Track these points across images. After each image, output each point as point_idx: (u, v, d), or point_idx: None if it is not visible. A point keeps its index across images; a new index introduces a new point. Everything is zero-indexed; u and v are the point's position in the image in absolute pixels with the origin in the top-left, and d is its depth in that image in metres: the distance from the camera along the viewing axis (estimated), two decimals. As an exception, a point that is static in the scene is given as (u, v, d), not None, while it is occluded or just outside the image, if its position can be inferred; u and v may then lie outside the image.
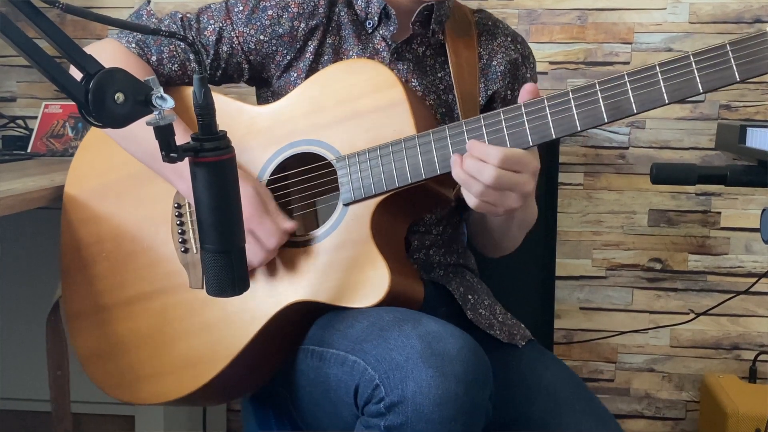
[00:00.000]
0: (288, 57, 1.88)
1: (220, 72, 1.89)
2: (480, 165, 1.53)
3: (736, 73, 1.43)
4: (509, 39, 1.97)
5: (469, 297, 1.90)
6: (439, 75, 1.91)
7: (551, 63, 2.94)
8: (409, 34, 1.87)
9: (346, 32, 1.89)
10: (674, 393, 3.07)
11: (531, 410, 1.73)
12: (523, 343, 1.88)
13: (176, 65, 1.86)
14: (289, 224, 1.71)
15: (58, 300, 1.94)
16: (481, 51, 1.94)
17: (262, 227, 1.68)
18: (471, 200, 1.57)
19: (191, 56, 1.86)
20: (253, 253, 1.67)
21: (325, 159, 1.72)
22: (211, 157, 1.30)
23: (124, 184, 1.86)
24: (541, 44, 2.94)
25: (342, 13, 1.89)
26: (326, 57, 1.88)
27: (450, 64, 1.89)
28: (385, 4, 1.85)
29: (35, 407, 2.97)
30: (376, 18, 1.87)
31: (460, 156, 1.56)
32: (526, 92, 1.56)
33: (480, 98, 1.91)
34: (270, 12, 1.85)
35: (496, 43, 1.95)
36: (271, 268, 1.72)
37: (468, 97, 1.87)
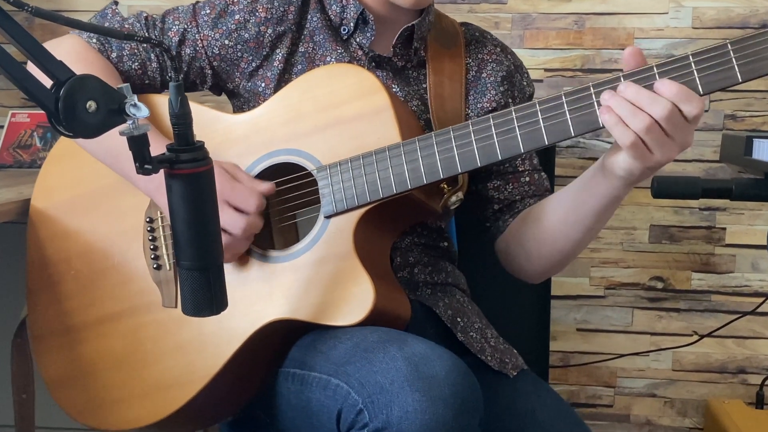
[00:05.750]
0: (253, 64, 1.89)
1: (182, 76, 1.90)
2: (652, 96, 1.46)
3: (738, 73, 1.45)
4: (499, 49, 2.00)
5: (458, 320, 1.89)
6: (424, 86, 1.92)
7: (546, 70, 2.96)
8: (389, 52, 1.89)
9: (321, 37, 1.90)
10: (677, 419, 3.09)
11: (522, 445, 1.75)
12: (515, 373, 1.88)
13: (136, 63, 1.87)
14: (264, 186, 1.71)
15: (25, 320, 1.95)
16: (469, 61, 1.96)
17: (235, 193, 1.67)
18: (627, 136, 1.47)
19: (152, 56, 1.88)
20: (234, 223, 1.66)
21: (305, 169, 1.73)
22: (188, 169, 1.31)
23: (94, 198, 1.87)
24: (535, 50, 2.96)
25: (314, 19, 1.90)
26: (299, 67, 1.89)
27: (428, 86, 1.91)
28: (363, 9, 1.87)
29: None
30: (352, 24, 1.88)
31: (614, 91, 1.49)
32: (631, 56, 1.51)
33: (469, 112, 1.92)
34: (237, 16, 1.87)
35: (486, 51, 1.97)
36: (248, 285, 1.73)
37: (451, 115, 1.86)
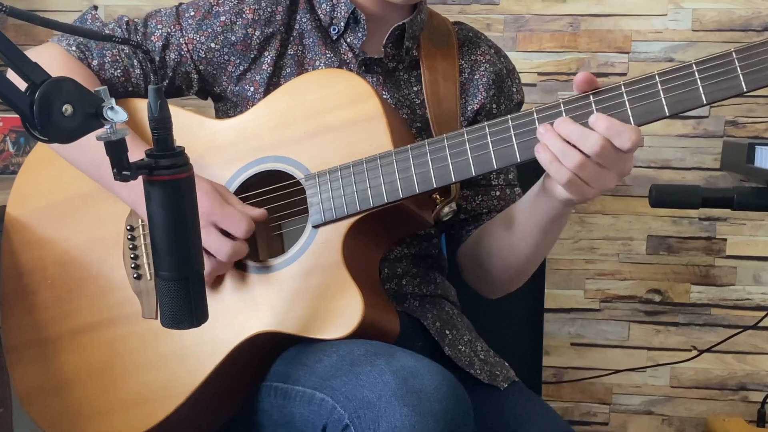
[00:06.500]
0: (241, 67, 1.89)
1: (167, 82, 1.89)
2: (583, 132, 1.48)
3: (743, 83, 1.44)
4: (493, 50, 2.00)
5: (447, 332, 1.89)
6: (415, 89, 1.92)
7: (540, 74, 2.96)
8: (380, 53, 1.89)
9: (310, 40, 1.89)
10: (675, 438, 3.09)
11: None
12: (505, 385, 1.88)
13: (119, 71, 1.86)
14: (256, 211, 1.70)
15: (-1, 332, 1.94)
16: (462, 63, 1.96)
17: (226, 216, 1.66)
18: (562, 174, 1.50)
19: (135, 62, 1.87)
20: (220, 247, 1.65)
21: (292, 177, 1.73)
22: (167, 176, 1.30)
23: (72, 205, 1.87)
24: (529, 53, 2.96)
25: (304, 20, 1.90)
26: (288, 70, 1.89)
27: (423, 83, 1.90)
28: (354, 8, 1.86)
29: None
30: (342, 23, 1.88)
31: (550, 125, 1.51)
32: (583, 83, 1.52)
33: (461, 117, 1.92)
34: (223, 18, 1.86)
35: (480, 52, 1.97)
36: (232, 296, 1.72)
37: (447, 115, 1.88)
